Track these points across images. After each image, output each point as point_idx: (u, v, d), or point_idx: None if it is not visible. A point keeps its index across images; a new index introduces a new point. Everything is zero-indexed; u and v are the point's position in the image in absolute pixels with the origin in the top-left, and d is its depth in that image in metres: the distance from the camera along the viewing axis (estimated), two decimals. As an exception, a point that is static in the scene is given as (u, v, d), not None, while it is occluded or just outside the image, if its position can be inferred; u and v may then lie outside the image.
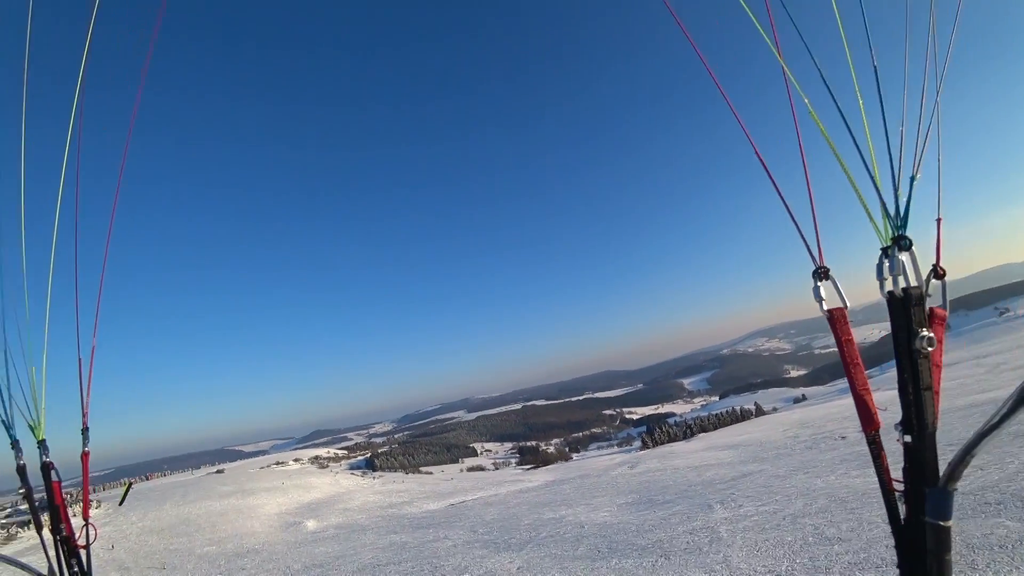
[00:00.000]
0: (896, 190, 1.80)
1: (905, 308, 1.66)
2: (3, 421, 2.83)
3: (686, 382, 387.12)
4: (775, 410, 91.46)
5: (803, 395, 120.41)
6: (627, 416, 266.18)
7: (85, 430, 2.97)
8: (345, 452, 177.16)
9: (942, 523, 1.58)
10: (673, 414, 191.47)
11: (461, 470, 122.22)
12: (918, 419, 1.73)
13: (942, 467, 1.66)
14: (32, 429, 2.85)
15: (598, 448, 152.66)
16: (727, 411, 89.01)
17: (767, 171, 2.29)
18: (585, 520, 19.14)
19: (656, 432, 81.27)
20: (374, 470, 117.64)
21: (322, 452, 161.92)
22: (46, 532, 2.88)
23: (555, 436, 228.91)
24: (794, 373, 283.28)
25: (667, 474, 29.87)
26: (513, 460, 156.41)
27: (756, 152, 2.40)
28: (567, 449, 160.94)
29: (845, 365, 1.86)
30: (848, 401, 53.18)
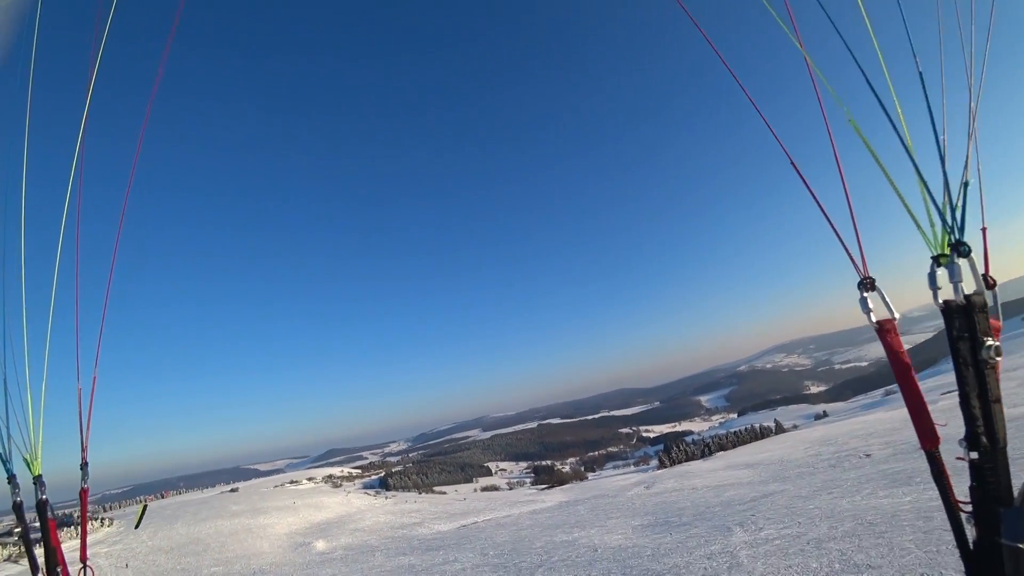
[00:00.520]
0: (947, 196, 1.77)
1: (968, 316, 1.61)
2: None
3: (704, 399, 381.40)
4: (795, 427, 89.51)
5: (824, 412, 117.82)
6: (644, 434, 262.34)
7: (84, 465, 2.81)
8: (359, 471, 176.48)
9: (1021, 545, 1.50)
10: (691, 432, 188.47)
11: (475, 490, 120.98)
12: (988, 434, 1.62)
13: (1015, 485, 1.60)
14: (28, 464, 2.71)
15: (614, 467, 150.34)
16: (746, 429, 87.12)
17: (805, 182, 2.22)
18: (599, 543, 18.41)
19: (673, 451, 79.81)
20: (387, 489, 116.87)
21: (336, 471, 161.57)
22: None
23: (571, 455, 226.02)
24: (814, 389, 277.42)
25: (684, 494, 28.97)
26: (528, 480, 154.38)
27: (792, 163, 2.36)
28: (583, 468, 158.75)
29: (898, 378, 1.81)
30: (871, 417, 51.73)
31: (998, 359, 1.59)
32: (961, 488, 1.67)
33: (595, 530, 21.86)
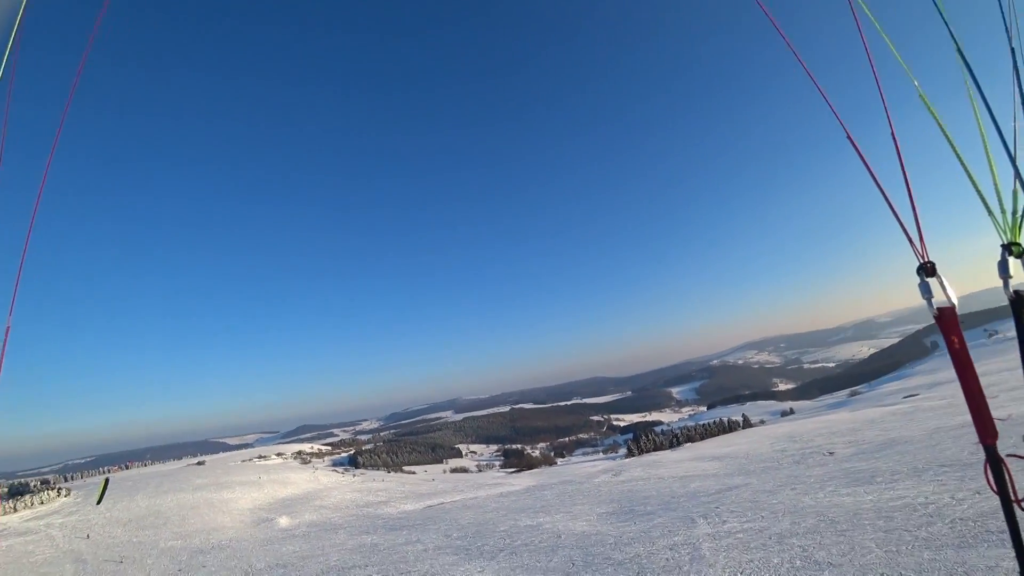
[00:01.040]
0: (1019, 182, 1.79)
1: None
2: None
3: (675, 391, 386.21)
4: (762, 422, 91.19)
5: (791, 409, 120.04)
6: (614, 423, 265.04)
7: None
8: (329, 448, 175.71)
9: None
10: (660, 422, 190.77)
11: (444, 471, 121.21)
12: None
13: None
14: None
15: (583, 454, 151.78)
16: (714, 422, 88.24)
17: (866, 164, 2.13)
18: (563, 529, 18.36)
19: (642, 440, 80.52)
20: (357, 467, 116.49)
21: (306, 447, 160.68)
22: None
23: (541, 440, 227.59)
24: (782, 387, 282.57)
25: (651, 483, 29.19)
26: (497, 463, 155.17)
27: (852, 141, 2.24)
28: (552, 454, 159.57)
29: (958, 369, 1.77)
30: (836, 417, 52.84)
31: None
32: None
33: (560, 516, 21.86)
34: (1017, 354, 1.83)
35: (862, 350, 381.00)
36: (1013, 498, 1.67)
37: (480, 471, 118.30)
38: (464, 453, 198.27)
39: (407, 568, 15.69)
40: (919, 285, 1.85)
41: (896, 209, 2.01)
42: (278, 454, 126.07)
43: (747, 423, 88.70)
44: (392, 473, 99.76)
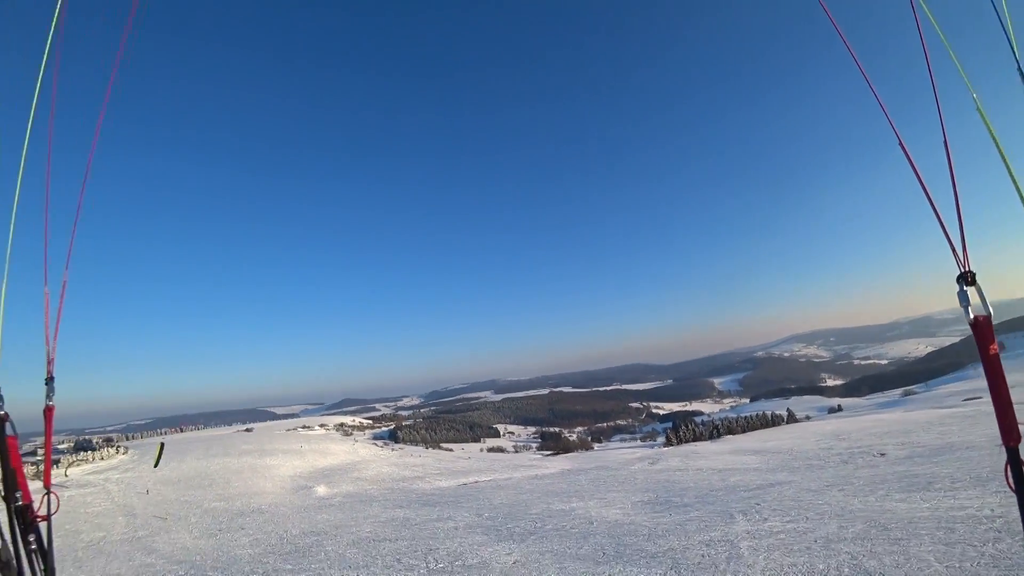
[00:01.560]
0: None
1: None
2: None
3: (717, 381, 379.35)
4: (808, 418, 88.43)
5: (839, 405, 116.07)
6: (653, 410, 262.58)
7: (50, 380, 2.53)
8: (371, 422, 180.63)
9: None
10: (701, 413, 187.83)
11: (481, 450, 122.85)
12: None
13: None
14: None
15: (621, 440, 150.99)
16: (757, 415, 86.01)
17: (914, 168, 2.19)
18: (595, 516, 18.04)
19: (681, 429, 79.17)
20: (396, 442, 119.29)
21: (348, 420, 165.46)
22: None
23: (579, 424, 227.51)
24: (830, 382, 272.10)
25: (688, 474, 28.53)
26: (534, 444, 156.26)
27: (902, 145, 2.28)
28: (589, 438, 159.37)
29: (989, 376, 1.86)
30: (888, 416, 50.54)
31: None
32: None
33: (593, 502, 21.55)
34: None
35: (918, 348, 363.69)
36: None
37: (516, 452, 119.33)
38: (502, 433, 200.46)
39: (435, 545, 15.68)
40: (958, 293, 1.97)
41: (942, 218, 2.06)
42: (321, 425, 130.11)
43: (792, 418, 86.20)
44: (430, 449, 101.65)
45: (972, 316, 1.91)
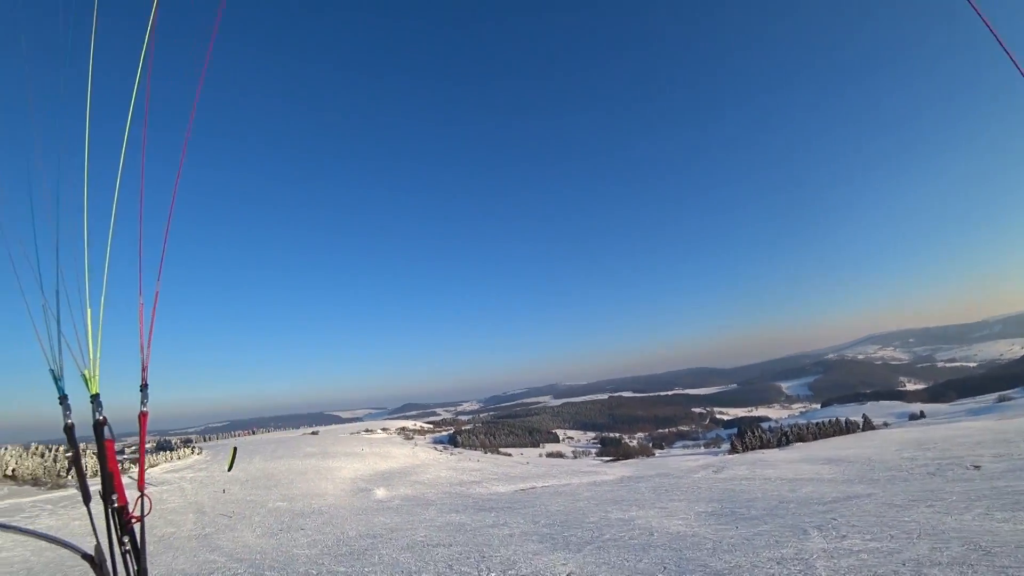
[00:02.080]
0: None
1: None
2: (51, 371, 2.43)
3: (784, 386, 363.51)
4: (886, 425, 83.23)
5: (921, 412, 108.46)
6: (717, 416, 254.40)
7: (144, 387, 2.61)
8: (431, 426, 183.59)
9: None
10: (767, 418, 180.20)
11: (540, 455, 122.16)
12: None
13: None
14: (86, 381, 2.46)
15: (683, 447, 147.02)
16: (829, 421, 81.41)
17: None
18: (656, 526, 17.20)
19: (747, 436, 75.94)
20: (455, 446, 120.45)
21: (409, 424, 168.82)
22: (95, 502, 2.48)
23: (640, 430, 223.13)
24: (911, 387, 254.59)
25: (756, 484, 27.06)
26: (593, 450, 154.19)
27: None
28: (650, 444, 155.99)
29: None
30: (979, 424, 46.62)
31: None
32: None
33: (654, 511, 20.67)
34: None
35: (1011, 349, 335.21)
36: None
37: (575, 457, 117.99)
38: (561, 438, 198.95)
39: (489, 552, 15.33)
40: None
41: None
42: (383, 429, 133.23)
43: (868, 425, 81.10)
44: (488, 454, 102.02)
45: None
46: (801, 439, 71.72)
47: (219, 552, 18.71)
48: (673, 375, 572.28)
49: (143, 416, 2.61)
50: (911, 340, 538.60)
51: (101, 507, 2.40)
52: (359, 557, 16.26)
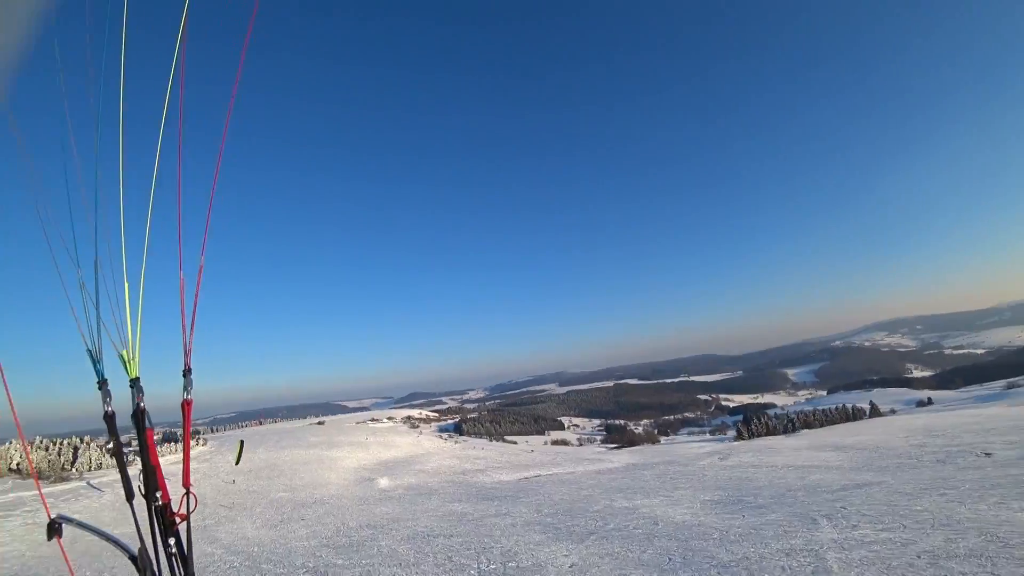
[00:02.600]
0: None
1: None
2: (89, 352, 2.20)
3: (791, 372, 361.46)
4: (893, 412, 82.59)
5: (929, 399, 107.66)
6: (723, 403, 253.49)
7: (187, 372, 2.28)
8: (436, 415, 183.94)
9: None
10: (773, 405, 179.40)
11: (545, 443, 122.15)
12: None
13: None
14: (124, 364, 2.18)
15: (689, 434, 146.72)
16: (836, 408, 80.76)
17: None
18: (661, 515, 16.89)
19: (753, 423, 75.44)
20: (460, 434, 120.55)
21: (415, 413, 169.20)
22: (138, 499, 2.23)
23: (645, 417, 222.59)
24: (918, 373, 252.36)
25: (762, 471, 26.70)
26: (598, 437, 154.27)
27: None
28: (656, 431, 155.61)
29: None
30: (989, 411, 46.01)
31: None
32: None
33: (659, 500, 20.37)
34: None
35: (1021, 336, 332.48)
36: None
37: (581, 445, 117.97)
38: (566, 426, 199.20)
39: (491, 543, 15.08)
40: None
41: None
42: (389, 418, 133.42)
43: (875, 411, 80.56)
44: (494, 442, 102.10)
45: None
46: (808, 426, 71.22)
47: (217, 544, 18.57)
48: (679, 362, 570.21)
49: (187, 404, 2.31)
50: (919, 327, 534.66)
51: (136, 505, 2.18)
52: (358, 548, 16.04)
